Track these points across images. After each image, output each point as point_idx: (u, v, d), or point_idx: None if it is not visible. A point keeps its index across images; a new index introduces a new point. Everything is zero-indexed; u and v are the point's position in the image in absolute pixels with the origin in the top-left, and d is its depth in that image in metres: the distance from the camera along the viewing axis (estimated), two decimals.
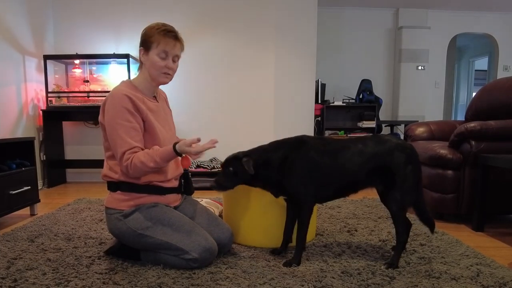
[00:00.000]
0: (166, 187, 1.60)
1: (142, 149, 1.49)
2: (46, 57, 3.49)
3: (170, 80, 1.60)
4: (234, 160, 1.54)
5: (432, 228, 1.65)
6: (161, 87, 1.73)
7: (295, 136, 1.61)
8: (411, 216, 2.43)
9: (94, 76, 3.78)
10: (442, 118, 5.76)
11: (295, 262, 1.55)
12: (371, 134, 1.77)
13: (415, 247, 1.78)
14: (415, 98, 5.41)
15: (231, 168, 1.53)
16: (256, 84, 3.94)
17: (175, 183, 1.65)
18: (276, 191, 1.60)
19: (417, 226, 2.13)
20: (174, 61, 1.57)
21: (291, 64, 3.96)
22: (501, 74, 5.68)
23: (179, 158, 1.58)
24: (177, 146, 1.47)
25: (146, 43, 1.52)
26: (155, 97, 1.65)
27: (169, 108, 1.80)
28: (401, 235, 1.56)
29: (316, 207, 1.96)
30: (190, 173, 1.77)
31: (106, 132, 1.52)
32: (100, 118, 1.53)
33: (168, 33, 1.51)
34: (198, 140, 1.50)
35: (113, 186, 1.57)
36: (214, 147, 1.49)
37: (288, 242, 1.72)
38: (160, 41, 1.50)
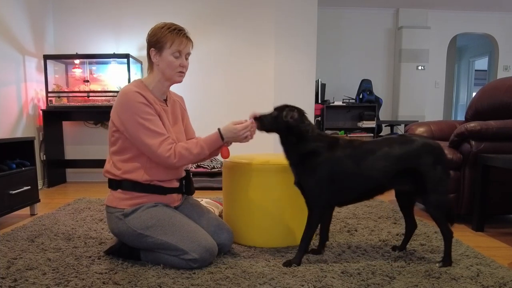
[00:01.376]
0: (167, 187, 1.60)
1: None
2: (46, 57, 3.49)
3: (183, 78, 1.61)
4: (283, 106, 1.56)
5: (450, 222, 1.62)
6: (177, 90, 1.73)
7: (332, 135, 1.59)
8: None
9: (94, 76, 3.78)
10: (442, 118, 5.76)
11: (295, 262, 1.55)
12: (398, 134, 1.77)
13: (415, 247, 1.78)
14: (415, 98, 5.41)
15: (275, 112, 1.56)
16: (256, 84, 3.94)
17: (176, 184, 1.65)
18: (296, 179, 1.58)
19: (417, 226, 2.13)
20: (186, 59, 1.59)
21: (291, 64, 3.96)
22: (501, 74, 5.68)
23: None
24: (222, 128, 1.54)
25: (158, 44, 1.52)
26: (165, 100, 1.64)
27: (185, 111, 1.80)
28: (446, 232, 1.54)
29: None
30: (191, 173, 1.77)
31: (115, 128, 1.51)
32: (112, 113, 1.52)
33: (180, 32, 1.53)
34: (246, 121, 1.56)
35: (114, 184, 1.56)
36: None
37: (325, 241, 1.72)
38: (173, 40, 1.51)
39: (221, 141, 1.55)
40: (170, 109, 1.66)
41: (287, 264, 1.55)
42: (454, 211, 1.64)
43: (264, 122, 1.58)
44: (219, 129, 1.55)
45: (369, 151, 1.51)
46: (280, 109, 1.56)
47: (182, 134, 1.70)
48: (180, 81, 1.60)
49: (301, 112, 1.56)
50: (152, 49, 1.54)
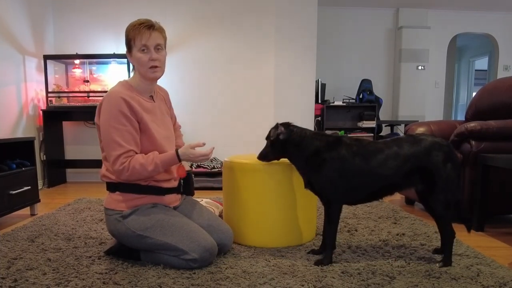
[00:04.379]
0: (165, 187, 1.59)
1: (137, 153, 1.49)
2: (46, 57, 3.50)
3: (161, 73, 1.56)
4: (271, 129, 1.61)
5: (469, 225, 1.62)
6: (162, 85, 1.73)
7: (336, 135, 1.61)
8: (411, 216, 2.43)
9: (94, 76, 3.78)
10: (442, 118, 5.76)
11: (326, 262, 1.55)
12: (407, 135, 1.78)
13: (415, 247, 1.78)
14: (415, 98, 5.41)
15: (268, 141, 1.61)
16: (256, 84, 3.94)
17: (174, 184, 1.65)
18: (305, 181, 1.61)
19: (417, 226, 2.13)
20: (158, 50, 1.52)
21: (291, 64, 3.96)
22: (501, 74, 5.68)
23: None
24: (179, 150, 1.51)
25: (127, 44, 1.53)
26: (151, 96, 1.64)
27: (169, 106, 1.79)
28: (449, 232, 1.55)
29: (316, 206, 1.97)
30: (192, 175, 1.76)
31: (100, 133, 1.52)
32: (96, 119, 1.53)
33: (140, 26, 1.48)
34: (203, 144, 1.54)
35: (112, 186, 1.56)
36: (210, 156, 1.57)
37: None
38: (135, 36, 1.48)
39: (177, 162, 1.53)
40: (157, 105, 1.66)
41: (319, 263, 1.55)
42: (469, 214, 1.62)
43: (266, 155, 1.65)
44: (177, 151, 1.51)
45: (377, 149, 1.52)
46: (269, 133, 1.63)
47: (171, 128, 1.71)
48: (157, 77, 1.55)
49: (285, 124, 1.60)
50: (126, 49, 1.55)
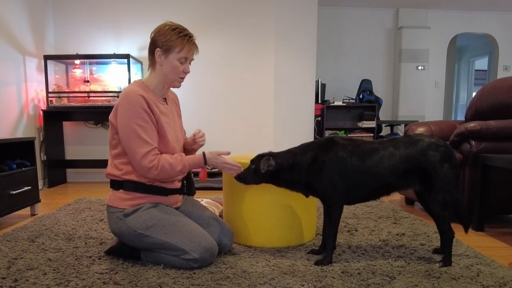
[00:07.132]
0: (169, 188, 1.60)
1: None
2: (47, 57, 3.50)
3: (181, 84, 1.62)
4: (257, 158, 1.58)
5: (467, 225, 1.62)
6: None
7: (325, 137, 1.61)
8: (411, 216, 2.43)
9: (95, 76, 3.79)
10: (442, 118, 5.77)
11: (326, 262, 1.55)
12: (403, 135, 1.76)
13: (415, 247, 1.78)
14: (415, 98, 5.41)
15: (253, 166, 1.57)
16: (256, 84, 3.94)
17: (178, 185, 1.65)
18: (306, 192, 1.61)
19: (417, 226, 2.13)
20: (190, 64, 1.60)
21: (291, 64, 3.96)
22: (501, 74, 5.68)
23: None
24: (207, 154, 1.54)
25: (165, 46, 1.50)
26: (165, 99, 1.65)
27: (179, 109, 1.80)
28: (448, 232, 1.54)
29: (317, 206, 1.97)
30: (192, 174, 1.77)
31: (115, 131, 1.51)
32: (111, 116, 1.52)
33: (190, 39, 1.53)
34: (228, 153, 1.58)
35: (116, 184, 1.57)
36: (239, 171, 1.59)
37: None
38: (183, 47, 1.50)
39: (203, 165, 1.55)
40: (170, 107, 1.67)
41: (319, 263, 1.55)
42: (468, 214, 1.62)
43: (247, 179, 1.58)
44: (204, 154, 1.54)
45: (373, 149, 1.52)
46: (256, 161, 1.57)
47: (181, 131, 1.72)
48: (178, 87, 1.61)
49: (271, 156, 1.56)
50: (158, 49, 1.51)
